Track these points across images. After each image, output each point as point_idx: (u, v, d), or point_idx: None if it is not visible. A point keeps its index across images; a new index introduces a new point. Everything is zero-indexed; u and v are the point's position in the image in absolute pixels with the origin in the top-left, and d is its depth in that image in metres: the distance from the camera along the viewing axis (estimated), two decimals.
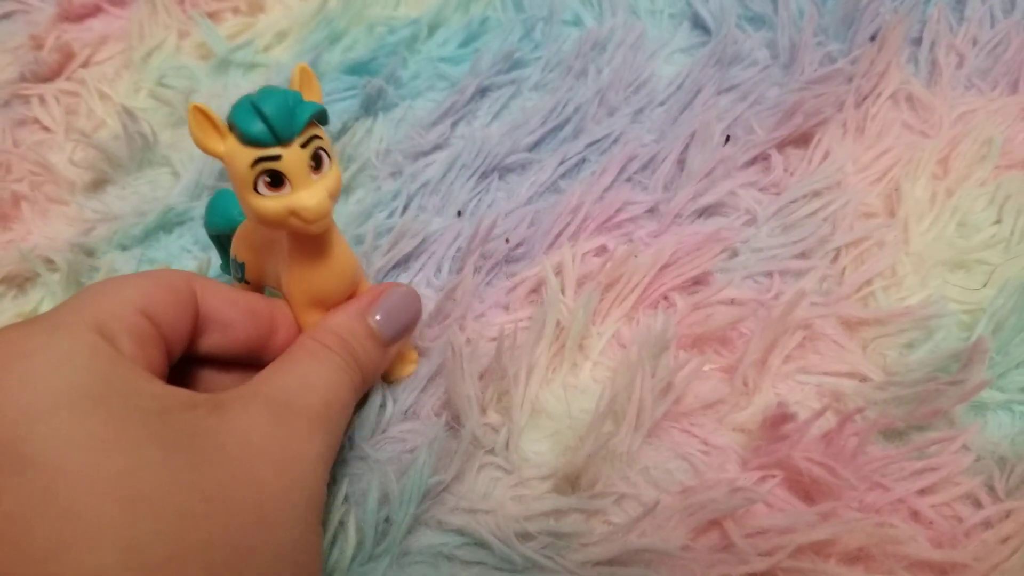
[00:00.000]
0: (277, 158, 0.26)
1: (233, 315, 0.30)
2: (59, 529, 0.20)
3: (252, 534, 0.23)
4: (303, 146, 0.27)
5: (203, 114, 0.26)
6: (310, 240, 0.30)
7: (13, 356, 0.23)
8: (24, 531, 0.20)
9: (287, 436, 0.26)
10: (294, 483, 0.25)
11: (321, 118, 0.28)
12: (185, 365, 0.30)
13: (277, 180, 0.27)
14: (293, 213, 0.27)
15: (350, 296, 0.33)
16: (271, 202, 0.27)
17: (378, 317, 0.32)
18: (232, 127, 0.27)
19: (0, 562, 0.20)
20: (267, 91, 0.26)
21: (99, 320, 0.25)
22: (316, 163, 0.27)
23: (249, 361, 0.32)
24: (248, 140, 0.26)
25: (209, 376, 0.31)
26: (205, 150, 0.27)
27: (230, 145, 0.27)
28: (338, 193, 0.29)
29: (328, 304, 0.32)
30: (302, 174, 0.27)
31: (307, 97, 0.28)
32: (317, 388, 0.28)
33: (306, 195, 0.27)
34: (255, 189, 0.27)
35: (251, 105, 0.26)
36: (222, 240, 0.37)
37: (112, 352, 0.24)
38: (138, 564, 0.20)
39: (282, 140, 0.26)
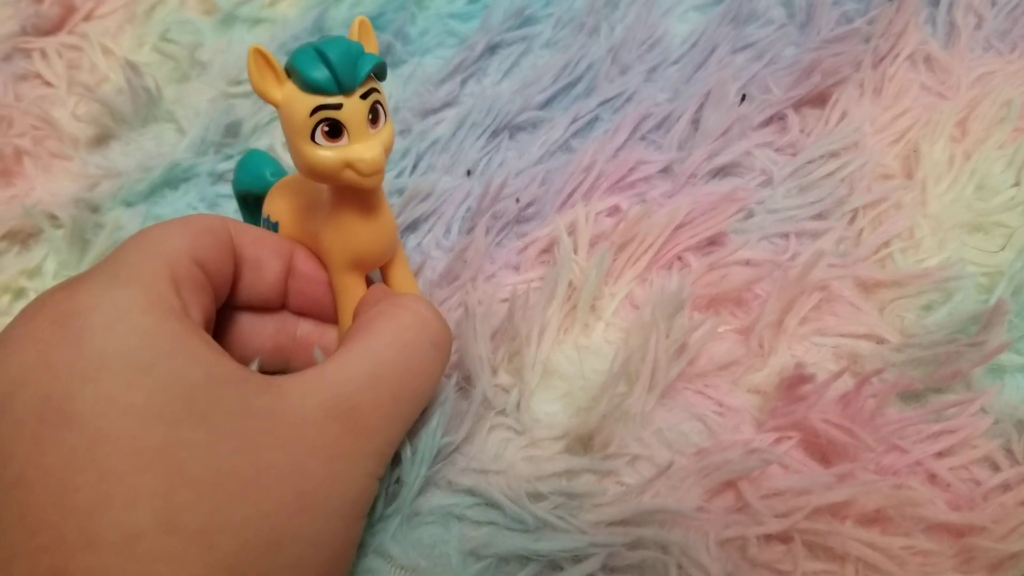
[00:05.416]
0: (338, 107, 0.26)
1: (262, 254, 0.30)
2: (100, 488, 0.21)
3: (290, 519, 0.23)
4: (363, 97, 0.26)
5: (263, 57, 0.26)
6: (356, 197, 0.29)
7: (69, 313, 0.23)
8: (66, 485, 0.21)
9: (343, 434, 0.25)
10: (342, 478, 0.25)
11: (380, 72, 0.27)
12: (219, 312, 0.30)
13: (336, 130, 0.26)
14: (349, 165, 0.27)
15: (386, 260, 0.32)
16: (328, 153, 0.26)
17: None
18: (293, 73, 0.26)
19: (42, 511, 0.20)
20: (331, 39, 0.26)
21: (159, 271, 0.25)
22: (373, 117, 0.27)
23: (276, 305, 0.32)
24: (310, 87, 0.26)
25: (245, 322, 0.31)
26: (261, 95, 0.27)
27: (288, 91, 0.26)
28: (391, 149, 0.28)
29: (367, 266, 0.31)
30: (361, 126, 0.27)
31: (366, 50, 0.27)
32: None
33: (363, 147, 0.27)
34: (311, 139, 0.26)
35: (315, 51, 0.26)
36: (248, 200, 0.36)
37: (166, 307, 0.24)
38: (174, 529, 0.21)
39: (345, 89, 0.26)
